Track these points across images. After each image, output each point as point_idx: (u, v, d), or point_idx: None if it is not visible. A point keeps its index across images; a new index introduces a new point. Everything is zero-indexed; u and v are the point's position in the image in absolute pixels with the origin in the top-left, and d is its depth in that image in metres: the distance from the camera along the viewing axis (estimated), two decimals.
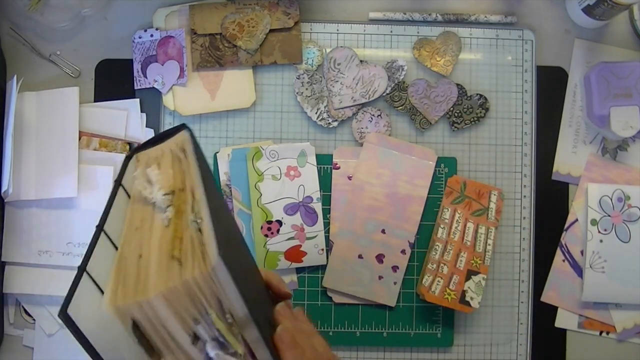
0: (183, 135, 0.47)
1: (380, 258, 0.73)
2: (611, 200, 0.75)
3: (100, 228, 0.42)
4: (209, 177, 0.45)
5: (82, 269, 0.39)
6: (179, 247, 0.39)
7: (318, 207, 0.73)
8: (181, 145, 0.46)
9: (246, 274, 0.44)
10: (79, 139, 0.72)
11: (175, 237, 0.39)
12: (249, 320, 0.38)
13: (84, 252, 0.40)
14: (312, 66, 0.75)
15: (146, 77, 0.74)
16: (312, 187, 0.73)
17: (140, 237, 0.41)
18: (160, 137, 0.48)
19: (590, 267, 0.74)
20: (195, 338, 0.38)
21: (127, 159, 0.48)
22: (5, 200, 0.71)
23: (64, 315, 0.35)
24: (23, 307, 0.73)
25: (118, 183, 0.45)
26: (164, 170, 0.45)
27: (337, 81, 0.74)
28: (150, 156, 0.47)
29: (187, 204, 0.42)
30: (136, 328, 0.37)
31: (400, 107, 0.75)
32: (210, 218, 0.38)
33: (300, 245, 0.73)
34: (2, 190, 0.69)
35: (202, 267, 0.36)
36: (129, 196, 0.46)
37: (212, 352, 0.38)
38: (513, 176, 0.76)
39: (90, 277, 0.39)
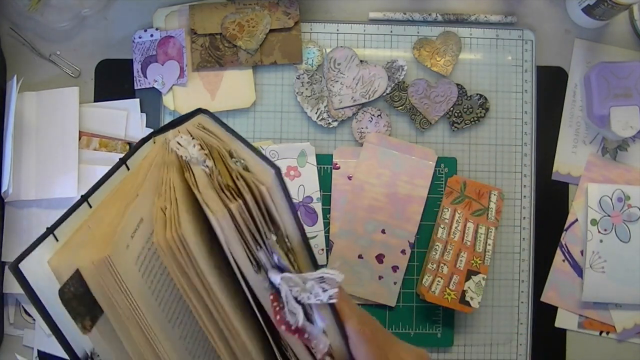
0: (200, 117, 0.48)
1: (380, 258, 0.73)
2: (611, 200, 0.75)
3: (84, 198, 0.43)
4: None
5: (50, 229, 0.40)
6: (229, 178, 0.40)
7: (318, 207, 0.73)
8: (197, 125, 0.47)
9: None
10: (79, 139, 0.72)
11: (224, 173, 0.41)
12: (302, 247, 0.39)
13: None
14: (312, 66, 0.75)
15: (146, 77, 0.74)
16: (312, 187, 0.73)
17: (152, 198, 0.42)
18: (176, 122, 0.49)
19: (590, 267, 0.74)
20: (258, 266, 0.38)
21: (143, 140, 0.49)
22: (5, 200, 0.71)
23: (15, 268, 0.36)
24: (23, 307, 0.73)
25: (123, 161, 0.46)
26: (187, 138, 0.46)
27: (337, 81, 0.75)
28: (167, 137, 0.48)
29: (223, 153, 0.43)
30: (64, 290, 0.37)
31: (400, 107, 0.75)
32: (254, 154, 0.40)
33: None
34: (2, 190, 0.69)
35: (260, 188, 0.37)
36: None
37: (277, 278, 0.38)
38: (513, 176, 0.76)
39: (56, 239, 0.40)
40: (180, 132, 0.47)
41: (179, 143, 0.44)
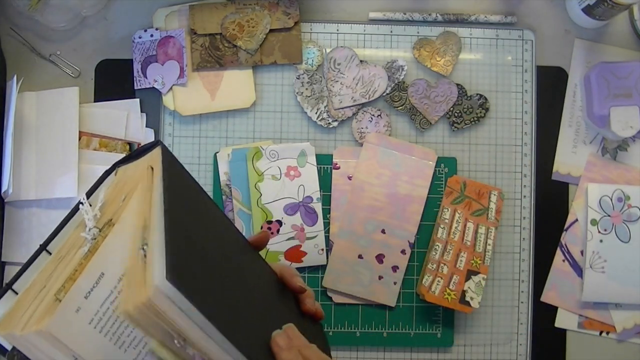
0: (156, 151, 0.44)
1: (380, 258, 0.73)
2: (611, 200, 0.75)
3: (43, 247, 0.41)
4: (181, 193, 0.42)
5: (8, 285, 0.40)
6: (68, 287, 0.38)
7: (318, 207, 0.73)
8: (150, 164, 0.43)
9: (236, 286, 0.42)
10: (79, 139, 0.72)
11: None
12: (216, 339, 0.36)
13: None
14: (312, 66, 0.75)
15: (146, 77, 0.74)
16: (312, 187, 0.73)
17: (57, 267, 0.40)
18: (138, 153, 0.45)
19: (590, 267, 0.74)
20: None
21: (107, 173, 0.45)
22: (5, 200, 0.71)
23: None
24: None
25: (79, 202, 0.43)
26: (114, 197, 0.42)
27: (337, 81, 0.75)
28: (127, 174, 0.44)
29: (135, 231, 0.39)
30: (13, 354, 0.37)
31: (400, 107, 0.75)
32: (163, 240, 0.35)
33: (300, 245, 0.73)
34: (2, 190, 0.69)
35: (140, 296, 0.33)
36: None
37: None
38: (513, 176, 0.76)
39: (15, 293, 0.40)
40: (138, 168, 0.43)
41: (87, 208, 0.41)
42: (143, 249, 0.37)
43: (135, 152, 0.46)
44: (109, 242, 0.40)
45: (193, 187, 0.46)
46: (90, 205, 0.41)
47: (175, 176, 0.42)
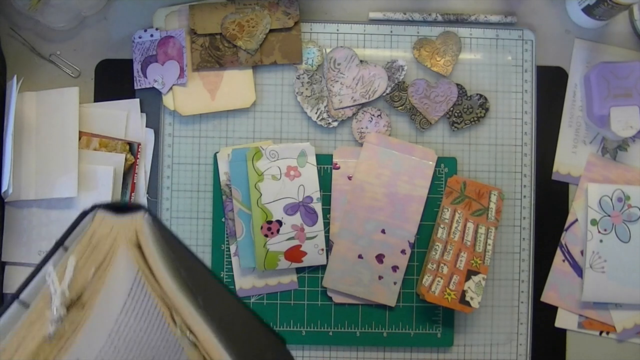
0: (139, 220, 0.38)
1: (380, 258, 0.73)
2: (611, 200, 0.75)
3: (14, 297, 0.36)
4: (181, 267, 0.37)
5: None
6: None
7: (318, 207, 0.73)
8: (129, 233, 0.37)
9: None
10: (79, 139, 0.72)
11: None
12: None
13: None
14: (312, 66, 0.75)
15: (146, 77, 0.74)
16: (312, 187, 0.73)
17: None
18: (123, 207, 0.39)
19: (590, 267, 0.74)
20: None
21: (83, 214, 0.38)
22: (5, 200, 0.71)
23: None
24: None
25: (59, 243, 0.37)
26: (83, 262, 0.36)
27: (337, 81, 0.75)
28: (101, 230, 0.38)
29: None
30: None
31: (400, 107, 0.75)
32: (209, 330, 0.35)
33: (300, 245, 0.73)
34: (2, 190, 0.69)
35: None
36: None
37: None
38: (513, 176, 0.76)
39: None
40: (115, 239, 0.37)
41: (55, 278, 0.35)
42: (188, 337, 0.35)
43: (120, 204, 0.39)
44: (88, 327, 0.35)
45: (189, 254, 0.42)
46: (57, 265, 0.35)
47: (176, 249, 0.39)
